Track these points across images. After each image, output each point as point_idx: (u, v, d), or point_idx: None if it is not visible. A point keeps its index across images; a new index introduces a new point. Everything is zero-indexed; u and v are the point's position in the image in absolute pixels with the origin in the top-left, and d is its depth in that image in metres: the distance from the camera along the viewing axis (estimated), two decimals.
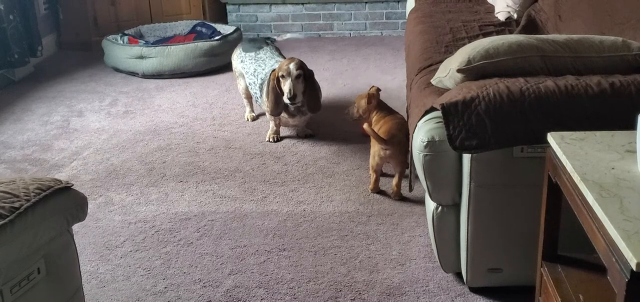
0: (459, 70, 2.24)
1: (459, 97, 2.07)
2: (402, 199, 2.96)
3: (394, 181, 2.97)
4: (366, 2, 5.74)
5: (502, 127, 2.02)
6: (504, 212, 2.14)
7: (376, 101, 3.18)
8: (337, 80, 4.60)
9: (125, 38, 5.07)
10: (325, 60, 5.10)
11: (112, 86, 4.68)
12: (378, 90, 3.24)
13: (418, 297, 2.32)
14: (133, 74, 4.85)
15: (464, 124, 2.03)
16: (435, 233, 2.28)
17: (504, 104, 2.03)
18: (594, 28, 2.81)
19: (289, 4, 5.79)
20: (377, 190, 3.02)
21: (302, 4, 5.79)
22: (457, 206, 2.22)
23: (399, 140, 2.90)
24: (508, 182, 2.10)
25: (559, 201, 1.82)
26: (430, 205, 2.28)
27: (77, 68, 5.11)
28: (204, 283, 2.43)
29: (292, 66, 3.39)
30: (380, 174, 3.02)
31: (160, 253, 2.63)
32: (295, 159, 3.41)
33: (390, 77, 4.62)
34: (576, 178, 1.56)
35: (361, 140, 3.53)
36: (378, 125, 3.04)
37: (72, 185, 1.87)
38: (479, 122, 2.02)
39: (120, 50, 4.87)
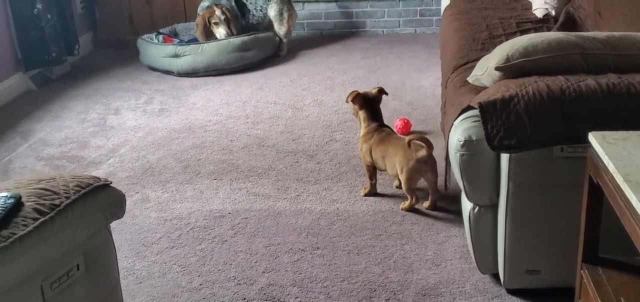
0: (497, 68, 2.21)
1: (498, 96, 2.04)
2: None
3: (430, 199, 2.84)
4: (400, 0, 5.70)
5: (541, 126, 1.99)
6: (543, 213, 2.11)
7: (359, 103, 2.98)
8: (370, 78, 4.58)
9: (160, 37, 5.12)
10: (358, 58, 5.08)
11: (147, 84, 4.74)
12: (380, 91, 3.01)
13: (454, 299, 2.29)
14: (168, 72, 4.90)
15: (502, 123, 2.00)
16: (472, 234, 2.26)
17: (543, 102, 2.00)
18: (635, 25, 2.75)
19: (322, 2, 5.79)
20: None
21: (335, 1, 5.78)
22: (494, 206, 2.19)
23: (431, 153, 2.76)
24: (547, 182, 2.07)
25: (600, 202, 1.78)
26: (467, 205, 2.26)
27: (113, 66, 5.18)
28: (238, 281, 2.44)
29: None
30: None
31: (195, 250, 2.65)
32: (328, 158, 3.41)
33: (424, 75, 4.58)
34: (619, 179, 1.52)
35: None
36: (386, 151, 2.84)
37: (111, 182, 1.89)
38: (518, 121, 1.99)
39: (155, 49, 4.92)
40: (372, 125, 2.96)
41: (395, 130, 3.35)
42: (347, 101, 3.03)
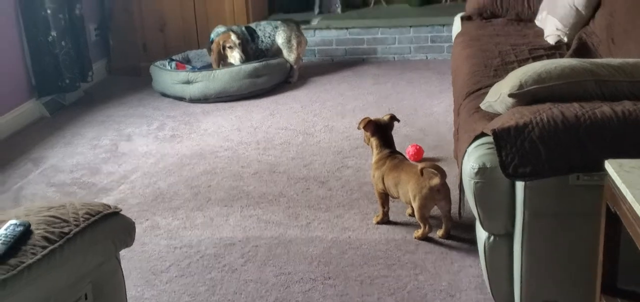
0: (510, 95, 2.19)
1: (512, 123, 2.02)
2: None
3: (444, 227, 2.81)
4: (411, 26, 5.70)
5: (557, 153, 1.96)
6: (560, 243, 2.07)
7: (371, 129, 2.96)
8: (382, 104, 4.57)
9: (173, 63, 5.14)
10: (370, 84, 5.07)
11: (159, 110, 4.75)
12: (392, 118, 3.00)
13: None
14: (180, 98, 4.91)
15: (517, 150, 1.97)
16: (487, 263, 2.22)
17: (558, 129, 1.97)
18: None
19: (333, 29, 5.80)
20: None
21: (347, 28, 5.79)
22: (510, 236, 2.15)
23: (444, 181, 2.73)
24: (563, 211, 2.03)
25: (618, 232, 1.75)
26: (482, 234, 2.22)
27: (126, 93, 5.20)
28: None
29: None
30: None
31: (205, 279, 2.62)
32: (339, 184, 3.38)
33: (437, 101, 4.56)
34: (637, 208, 1.49)
35: None
36: (398, 178, 2.81)
37: (121, 210, 1.88)
38: (533, 148, 1.96)
39: (168, 76, 4.94)
40: (384, 151, 2.94)
41: (407, 156, 3.33)
42: (358, 128, 3.02)
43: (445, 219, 2.80)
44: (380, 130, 2.97)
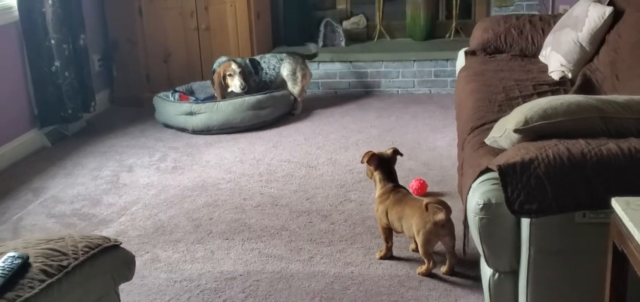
0: (515, 131, 2.18)
1: (517, 159, 2.00)
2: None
3: (448, 263, 2.77)
4: (414, 60, 5.71)
5: (563, 190, 1.94)
6: (566, 281, 2.04)
7: (375, 163, 2.93)
8: (385, 137, 4.56)
9: (176, 95, 5.15)
10: (373, 118, 5.07)
11: (162, 142, 4.74)
12: (395, 152, 2.98)
13: None
14: (183, 130, 4.90)
15: (522, 186, 1.96)
16: (492, 301, 2.18)
17: (564, 166, 1.96)
18: None
19: (337, 61, 5.81)
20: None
21: (350, 61, 5.80)
22: (515, 273, 2.13)
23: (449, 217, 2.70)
24: (569, 248, 2.01)
25: (625, 270, 1.72)
26: (487, 271, 2.19)
27: (128, 123, 5.20)
28: None
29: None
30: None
31: None
32: (342, 218, 3.35)
33: (440, 136, 4.55)
34: None
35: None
36: (402, 213, 2.78)
37: (121, 243, 1.86)
38: (539, 185, 1.95)
39: (171, 107, 4.94)
40: (388, 186, 2.92)
41: (410, 191, 3.30)
42: (362, 162, 3.00)
43: (449, 255, 2.76)
44: (384, 164, 2.95)
